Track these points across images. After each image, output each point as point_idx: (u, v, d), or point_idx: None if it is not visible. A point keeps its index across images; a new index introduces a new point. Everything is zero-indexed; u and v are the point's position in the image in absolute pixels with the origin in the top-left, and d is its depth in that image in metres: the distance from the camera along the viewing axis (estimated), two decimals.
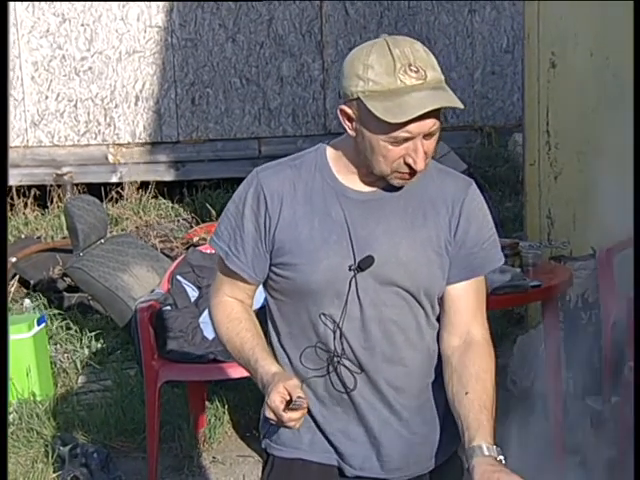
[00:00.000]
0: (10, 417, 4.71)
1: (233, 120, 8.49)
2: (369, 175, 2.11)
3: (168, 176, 8.52)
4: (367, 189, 2.14)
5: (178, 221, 7.85)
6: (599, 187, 4.74)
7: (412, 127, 2.00)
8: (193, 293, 4.45)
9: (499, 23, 8.48)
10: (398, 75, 1.98)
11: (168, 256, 6.22)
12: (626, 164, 4.11)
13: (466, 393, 2.11)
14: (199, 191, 8.35)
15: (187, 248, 6.35)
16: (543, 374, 4.31)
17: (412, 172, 2.07)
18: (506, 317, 5.51)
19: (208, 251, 4.62)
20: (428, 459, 2.24)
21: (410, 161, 2.04)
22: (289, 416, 2.00)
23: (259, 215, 2.13)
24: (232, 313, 2.21)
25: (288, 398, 2.00)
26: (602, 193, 4.71)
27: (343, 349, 2.13)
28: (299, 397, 2.00)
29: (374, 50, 2.01)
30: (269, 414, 2.02)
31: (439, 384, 2.20)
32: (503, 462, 2.02)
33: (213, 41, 8.39)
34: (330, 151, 2.18)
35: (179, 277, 4.44)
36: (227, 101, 8.48)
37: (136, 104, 8.43)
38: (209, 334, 4.27)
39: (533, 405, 4.48)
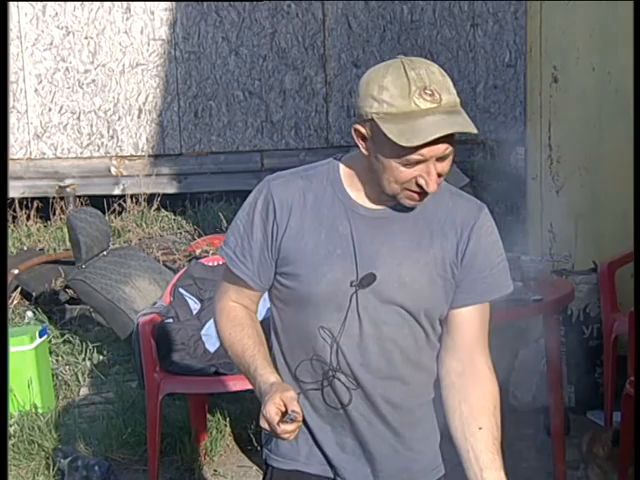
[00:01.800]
0: (11, 429, 4.71)
1: (236, 133, 8.51)
2: (380, 194, 2.12)
3: (171, 188, 8.53)
4: (377, 207, 2.14)
5: (180, 233, 7.86)
6: (601, 201, 4.75)
7: (425, 151, 2.00)
8: (195, 305, 4.45)
9: (501, 37, 8.50)
10: (413, 98, 1.98)
11: (170, 268, 6.22)
12: (627, 178, 4.12)
13: (479, 428, 2.11)
14: (201, 203, 8.36)
15: (189, 260, 6.35)
16: (544, 388, 4.31)
17: (423, 193, 2.07)
18: (507, 331, 5.50)
19: (210, 263, 4.63)
20: (422, 475, 2.24)
21: (422, 182, 2.04)
22: (283, 428, 2.00)
23: (267, 223, 2.14)
24: (236, 318, 2.22)
25: (284, 409, 2.00)
26: (603, 207, 4.72)
27: (339, 363, 2.14)
28: (293, 410, 2.00)
29: (390, 72, 2.02)
30: (263, 424, 2.03)
31: (436, 402, 2.20)
32: None
33: (216, 54, 8.42)
34: (343, 166, 2.18)
35: (181, 289, 4.44)
36: (230, 114, 8.49)
37: (139, 117, 8.46)
38: (211, 347, 4.27)
39: (534, 419, 4.49)
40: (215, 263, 4.64)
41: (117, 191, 8.47)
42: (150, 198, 8.29)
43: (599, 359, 4.51)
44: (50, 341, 5.51)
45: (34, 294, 6.47)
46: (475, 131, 2.01)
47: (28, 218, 8.14)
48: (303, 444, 2.22)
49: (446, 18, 8.45)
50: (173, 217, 8.25)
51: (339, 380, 2.15)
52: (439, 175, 2.06)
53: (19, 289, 6.51)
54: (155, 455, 4.02)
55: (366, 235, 2.12)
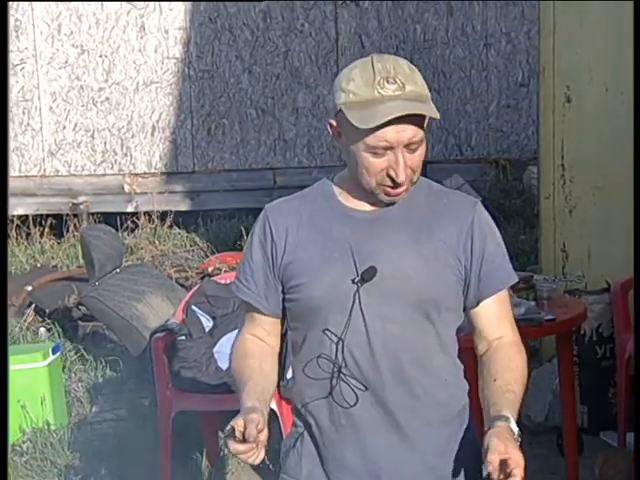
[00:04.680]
0: (24, 446, 4.72)
1: (248, 151, 8.54)
2: (365, 195, 2.15)
3: (184, 206, 8.55)
4: (371, 208, 2.17)
5: (193, 251, 7.88)
6: (613, 221, 4.75)
7: (389, 136, 2.03)
8: (208, 323, 4.46)
9: (514, 57, 8.51)
10: (376, 86, 2.04)
11: (183, 286, 6.23)
12: (636, 200, 4.11)
13: (494, 380, 2.12)
14: (214, 221, 8.38)
15: (202, 278, 6.36)
16: (557, 408, 4.30)
17: (395, 185, 2.09)
18: None
19: (223, 281, 4.64)
20: None
21: (392, 174, 2.07)
22: (234, 447, 1.98)
23: (266, 244, 2.18)
24: (246, 351, 2.23)
25: (242, 430, 1.99)
26: (616, 227, 4.71)
27: (345, 361, 2.12)
28: (233, 428, 1.97)
29: (358, 65, 2.09)
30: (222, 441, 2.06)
31: (468, 428, 2.19)
32: (518, 439, 2.02)
33: (230, 72, 8.46)
34: (336, 179, 2.24)
35: (194, 307, 4.45)
36: (243, 132, 8.52)
37: (152, 134, 8.49)
38: (223, 364, 4.28)
39: (547, 440, 4.47)
40: (228, 281, 4.65)
41: (130, 208, 8.50)
42: (163, 215, 8.32)
43: (612, 379, 4.50)
44: (63, 358, 5.52)
45: (47, 311, 6.48)
46: (437, 116, 2.04)
47: (42, 235, 8.17)
48: (306, 463, 2.21)
49: (459, 38, 8.48)
50: (186, 234, 8.27)
51: (346, 382, 2.13)
52: (411, 170, 2.08)
53: (33, 306, 6.52)
54: (167, 472, 4.02)
55: (364, 236, 2.13)
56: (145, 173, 8.53)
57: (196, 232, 8.30)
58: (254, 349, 2.23)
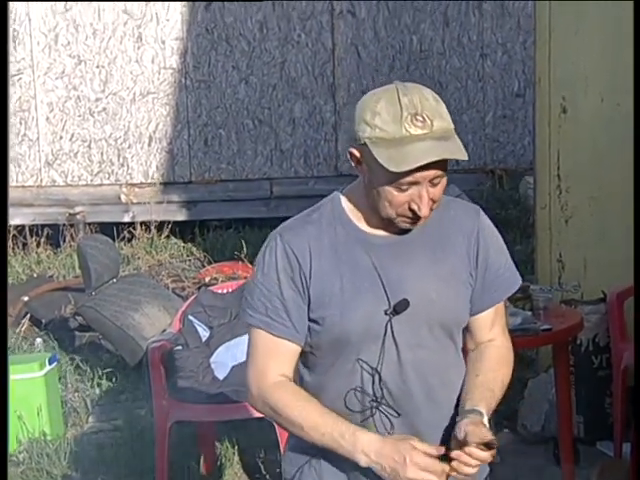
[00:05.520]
0: (20, 456, 4.72)
1: (245, 161, 8.54)
2: (380, 220, 2.14)
3: (180, 216, 8.55)
4: (388, 233, 2.16)
5: (190, 261, 7.87)
6: (610, 231, 4.76)
7: (416, 175, 2.03)
8: (204, 333, 4.46)
9: (510, 67, 8.53)
10: (404, 124, 2.01)
11: (180, 296, 6.23)
12: (636, 208, 4.12)
13: (476, 375, 2.18)
14: (211, 231, 8.38)
15: (199, 288, 6.36)
16: (554, 418, 4.30)
17: (416, 217, 2.09)
18: (516, 360, 5.49)
19: (219, 291, 4.65)
20: None
21: (415, 207, 2.07)
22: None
23: (294, 275, 2.13)
24: (299, 393, 2.14)
25: (431, 451, 2.01)
26: (613, 237, 4.72)
27: (382, 393, 2.13)
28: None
29: (383, 97, 2.05)
30: (424, 475, 1.99)
31: None
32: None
33: (226, 83, 8.47)
34: (345, 200, 2.20)
35: (190, 317, 4.45)
36: (239, 142, 8.53)
37: (149, 145, 8.50)
38: (220, 374, 4.28)
39: (543, 450, 4.47)
40: (224, 291, 4.65)
41: (127, 218, 8.50)
42: (160, 225, 8.31)
43: (608, 389, 4.50)
44: (60, 368, 5.52)
45: (44, 321, 6.48)
46: (465, 157, 2.04)
47: (38, 245, 8.16)
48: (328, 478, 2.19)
49: (455, 48, 8.50)
50: (182, 244, 8.27)
51: (381, 411, 2.14)
52: (432, 201, 2.08)
53: (29, 316, 6.52)
54: None
55: (388, 262, 2.14)
56: (142, 183, 8.53)
57: (193, 242, 8.30)
58: (302, 392, 2.15)
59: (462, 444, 2.03)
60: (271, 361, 2.15)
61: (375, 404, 2.13)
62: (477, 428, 2.03)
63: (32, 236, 8.24)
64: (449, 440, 2.12)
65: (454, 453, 2.03)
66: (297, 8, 8.38)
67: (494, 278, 2.21)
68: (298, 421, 2.11)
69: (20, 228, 8.21)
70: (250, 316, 2.16)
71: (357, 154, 2.09)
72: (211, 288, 4.78)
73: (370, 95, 2.09)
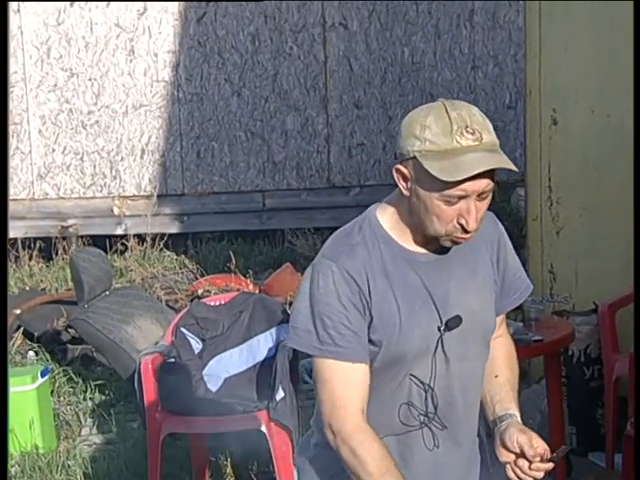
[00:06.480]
0: (12, 470, 4.70)
1: (238, 173, 8.55)
2: (424, 237, 2.15)
3: (173, 228, 8.56)
4: (430, 249, 2.18)
5: (183, 273, 7.88)
6: (601, 242, 4.78)
7: (467, 186, 2.04)
8: (197, 345, 4.46)
9: (501, 79, 8.57)
10: (455, 136, 2.02)
11: (172, 308, 6.23)
12: (628, 220, 4.14)
13: (495, 376, 2.27)
14: (204, 243, 8.39)
15: (191, 300, 6.36)
16: (546, 429, 4.30)
17: (465, 233, 2.10)
18: None
19: (212, 303, 4.64)
20: None
21: (463, 222, 2.08)
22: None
23: (356, 300, 2.12)
24: (386, 457, 2.10)
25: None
26: (604, 248, 4.74)
27: (435, 409, 2.17)
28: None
29: (432, 112, 2.06)
30: None
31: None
32: None
33: (219, 95, 8.48)
34: (384, 219, 2.19)
35: (183, 329, 4.45)
36: (232, 154, 8.54)
37: (142, 157, 8.50)
38: (212, 386, 4.28)
39: None
40: (217, 303, 4.65)
41: (119, 231, 8.50)
42: (152, 238, 8.32)
43: (600, 400, 4.51)
44: (52, 381, 5.51)
45: (36, 334, 6.46)
46: (516, 169, 2.08)
47: (30, 258, 8.16)
48: None
49: (447, 60, 8.53)
50: (175, 257, 8.27)
51: (428, 425, 2.18)
52: (479, 217, 2.11)
53: (21, 329, 6.51)
54: None
55: (434, 279, 2.16)
56: (134, 196, 8.53)
57: (185, 254, 8.31)
58: (385, 448, 2.13)
59: (517, 454, 2.16)
60: (349, 392, 2.12)
61: (426, 419, 2.16)
62: (527, 436, 2.16)
63: (24, 249, 8.24)
64: (481, 447, 2.26)
65: (521, 465, 2.17)
66: (289, 21, 8.41)
67: (512, 281, 2.29)
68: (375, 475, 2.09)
69: (13, 241, 8.20)
70: (318, 349, 2.12)
71: (404, 170, 2.09)
72: (204, 300, 4.78)
73: (417, 112, 2.09)
